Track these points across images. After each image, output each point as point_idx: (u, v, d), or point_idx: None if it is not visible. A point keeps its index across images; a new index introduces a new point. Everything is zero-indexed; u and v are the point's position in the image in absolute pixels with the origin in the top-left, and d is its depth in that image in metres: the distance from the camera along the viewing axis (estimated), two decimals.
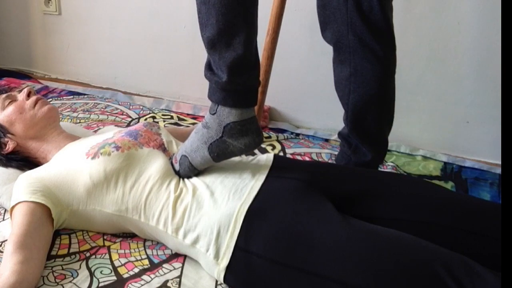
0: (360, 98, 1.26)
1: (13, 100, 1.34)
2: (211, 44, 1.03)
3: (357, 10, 1.18)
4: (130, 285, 1.05)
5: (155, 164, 1.16)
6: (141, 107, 2.06)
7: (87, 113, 1.96)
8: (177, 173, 1.17)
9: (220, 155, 1.11)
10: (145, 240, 1.19)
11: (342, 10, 1.19)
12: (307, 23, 1.82)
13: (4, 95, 1.35)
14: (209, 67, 1.07)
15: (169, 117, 1.97)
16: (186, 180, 1.15)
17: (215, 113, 1.08)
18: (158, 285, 1.06)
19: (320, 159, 1.68)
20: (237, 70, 1.03)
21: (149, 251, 1.16)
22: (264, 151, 1.70)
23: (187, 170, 1.15)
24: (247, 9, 1.01)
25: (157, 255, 1.15)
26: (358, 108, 1.28)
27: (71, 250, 1.15)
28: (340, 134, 1.42)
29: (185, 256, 1.14)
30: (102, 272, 1.09)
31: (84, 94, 2.20)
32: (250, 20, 1.03)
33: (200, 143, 1.12)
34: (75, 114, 1.94)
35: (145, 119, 1.92)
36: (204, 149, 1.11)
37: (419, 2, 1.67)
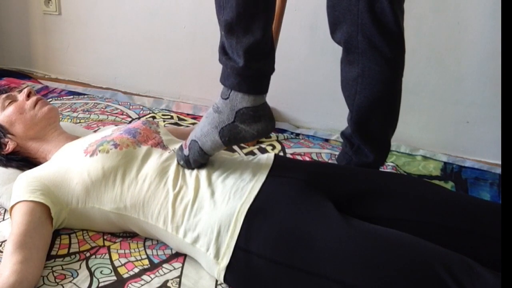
0: (366, 100, 1.25)
1: (13, 100, 1.34)
2: (229, 28, 1.00)
3: (368, 11, 1.15)
4: (130, 285, 1.05)
5: (153, 162, 1.16)
6: (141, 107, 2.06)
7: (87, 113, 1.96)
8: (187, 158, 1.14)
9: (231, 140, 1.09)
10: (145, 240, 1.19)
11: (352, 10, 1.17)
12: (307, 23, 1.82)
13: (4, 95, 1.35)
14: (223, 51, 1.04)
15: (169, 117, 1.97)
16: (186, 177, 1.14)
17: (227, 98, 1.05)
18: (158, 285, 1.06)
19: (320, 159, 1.68)
20: (254, 55, 1.00)
21: (149, 251, 1.16)
22: (264, 151, 1.70)
23: (197, 155, 1.12)
24: None
25: (157, 255, 1.15)
26: (363, 109, 1.27)
27: (71, 250, 1.15)
28: (342, 134, 1.41)
29: (185, 256, 1.14)
30: (102, 272, 1.09)
31: (84, 94, 2.20)
32: (271, 4, 1.00)
33: (210, 127, 1.10)
34: (75, 114, 1.94)
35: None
36: (215, 133, 1.09)
37: (419, 2, 1.67)
